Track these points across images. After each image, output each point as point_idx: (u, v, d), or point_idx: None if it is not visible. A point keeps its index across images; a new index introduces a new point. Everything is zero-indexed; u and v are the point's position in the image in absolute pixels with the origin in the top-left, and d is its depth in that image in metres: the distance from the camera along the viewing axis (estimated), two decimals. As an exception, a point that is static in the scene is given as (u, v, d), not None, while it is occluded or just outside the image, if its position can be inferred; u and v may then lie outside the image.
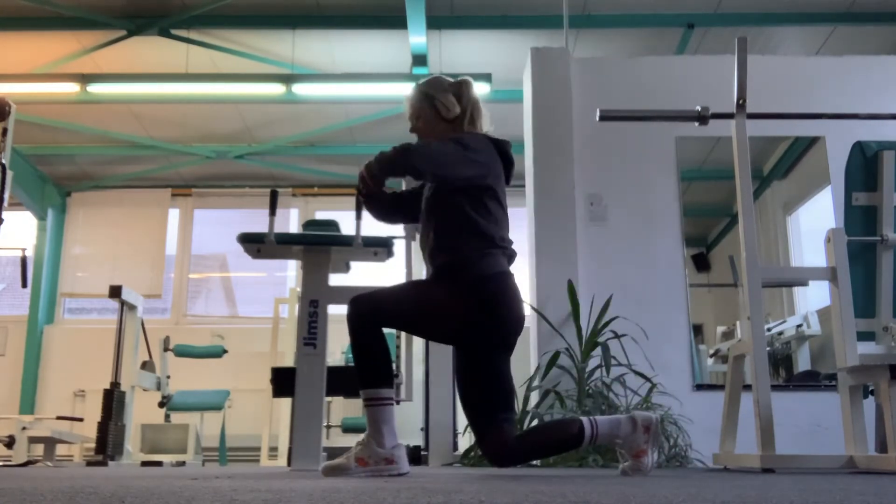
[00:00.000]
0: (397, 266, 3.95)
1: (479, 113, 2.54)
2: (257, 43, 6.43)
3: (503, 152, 2.50)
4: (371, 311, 2.30)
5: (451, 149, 2.36)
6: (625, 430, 2.33)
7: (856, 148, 3.12)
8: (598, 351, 4.14)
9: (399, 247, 3.54)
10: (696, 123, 3.20)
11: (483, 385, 2.36)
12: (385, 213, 2.64)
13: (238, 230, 3.33)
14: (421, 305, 2.38)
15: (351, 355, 7.50)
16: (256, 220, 8.24)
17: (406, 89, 6.50)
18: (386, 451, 2.27)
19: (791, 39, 6.45)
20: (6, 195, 3.90)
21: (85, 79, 6.14)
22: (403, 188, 2.79)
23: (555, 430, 2.43)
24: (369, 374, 2.30)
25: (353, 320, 2.30)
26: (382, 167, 2.35)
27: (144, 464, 5.35)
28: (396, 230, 3.87)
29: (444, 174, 2.36)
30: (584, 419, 2.33)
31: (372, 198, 2.56)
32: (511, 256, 2.46)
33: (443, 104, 2.49)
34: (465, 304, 2.35)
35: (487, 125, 2.56)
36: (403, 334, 4.05)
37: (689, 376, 4.47)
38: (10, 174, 3.93)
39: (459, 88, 2.53)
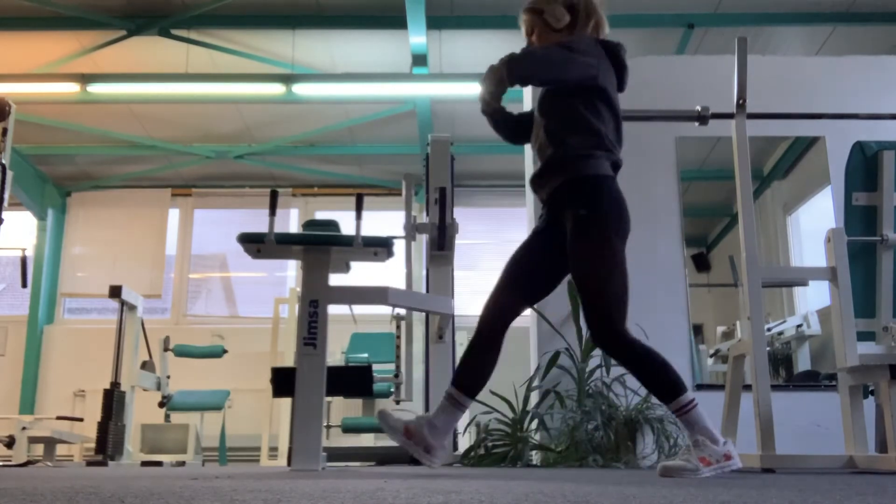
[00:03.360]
0: (397, 266, 3.95)
1: (597, 19, 2.53)
2: (257, 43, 6.43)
3: (614, 55, 2.48)
4: (610, 331, 2.30)
5: (554, 52, 2.39)
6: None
7: (856, 148, 3.12)
8: (598, 351, 4.14)
9: (399, 247, 3.54)
10: (696, 123, 3.20)
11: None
12: (508, 132, 2.68)
13: (238, 230, 3.32)
14: (614, 260, 2.33)
15: (353, 356, 7.48)
16: (256, 220, 8.25)
17: (406, 89, 6.56)
18: (721, 448, 2.24)
19: (791, 39, 6.45)
20: (6, 195, 3.90)
21: (85, 79, 6.15)
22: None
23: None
24: (662, 387, 2.31)
25: (613, 353, 2.33)
26: (492, 82, 2.40)
27: (144, 464, 5.35)
28: (396, 230, 3.87)
29: (550, 77, 2.40)
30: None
31: (497, 121, 2.61)
32: (616, 164, 2.44)
33: (551, 15, 2.53)
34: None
35: (607, 31, 2.56)
36: (403, 334, 4.06)
37: (689, 376, 4.47)
38: (10, 174, 3.93)
39: None
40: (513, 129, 2.66)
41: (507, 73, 2.35)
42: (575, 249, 2.34)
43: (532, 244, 2.50)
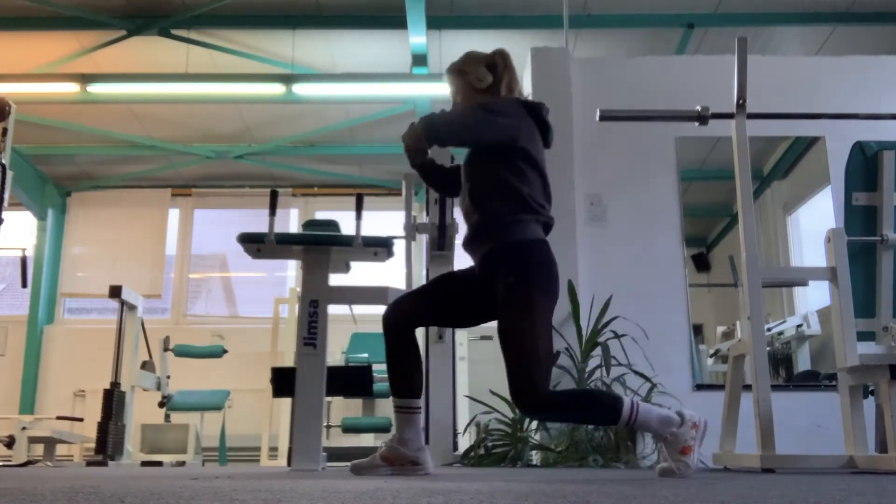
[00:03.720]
0: (397, 266, 3.95)
1: (515, 81, 2.55)
2: (257, 43, 6.43)
3: (536, 115, 2.48)
4: (533, 394, 2.24)
5: (473, 113, 2.39)
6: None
7: (856, 148, 3.12)
8: (598, 351, 4.14)
9: (399, 247, 3.54)
10: (696, 123, 3.20)
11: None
12: (439, 185, 2.71)
13: (238, 230, 3.33)
14: (541, 326, 2.33)
15: (353, 356, 7.44)
16: (256, 220, 8.24)
17: (406, 89, 6.56)
18: (685, 425, 2.24)
19: (791, 39, 6.45)
20: (6, 195, 3.90)
21: (85, 79, 6.14)
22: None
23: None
24: (604, 417, 2.30)
25: (540, 415, 2.31)
26: (411, 139, 2.43)
27: (144, 464, 5.35)
28: (396, 230, 3.87)
29: (467, 139, 2.42)
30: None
31: (425, 173, 2.63)
32: (547, 224, 2.44)
33: (475, 76, 2.54)
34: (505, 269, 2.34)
35: (525, 93, 2.58)
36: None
37: (689, 376, 4.47)
38: (10, 174, 3.93)
39: (493, 59, 2.56)
40: (441, 182, 2.68)
41: (425, 133, 2.37)
42: (503, 314, 2.34)
43: (464, 282, 2.48)
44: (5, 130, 3.96)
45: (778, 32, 6.31)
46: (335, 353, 7.24)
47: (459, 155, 2.70)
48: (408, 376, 2.44)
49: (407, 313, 2.44)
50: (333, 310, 3.25)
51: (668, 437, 2.24)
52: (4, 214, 3.85)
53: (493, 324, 2.41)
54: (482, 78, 2.52)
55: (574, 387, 4.14)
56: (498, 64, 2.54)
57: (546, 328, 2.33)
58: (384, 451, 2.44)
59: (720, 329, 4.89)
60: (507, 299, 2.33)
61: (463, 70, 2.56)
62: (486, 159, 2.42)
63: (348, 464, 2.67)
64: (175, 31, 6.22)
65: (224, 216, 8.82)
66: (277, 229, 3.24)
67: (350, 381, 3.60)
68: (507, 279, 2.32)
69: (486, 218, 2.40)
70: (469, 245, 2.47)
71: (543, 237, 2.41)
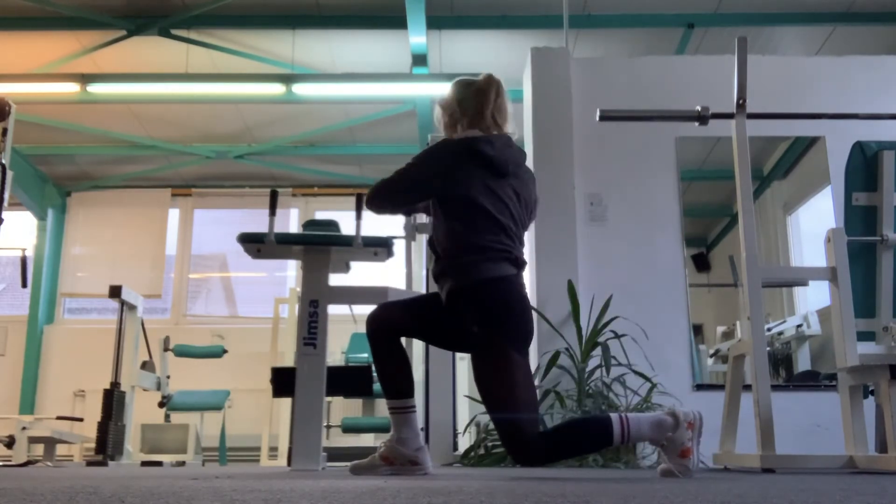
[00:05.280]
0: (397, 266, 3.95)
1: (461, 121, 2.55)
2: (257, 43, 6.43)
3: (470, 150, 2.42)
4: (522, 441, 2.25)
5: (385, 182, 2.48)
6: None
7: (856, 148, 3.12)
8: (598, 351, 4.14)
9: (399, 247, 3.54)
10: (696, 123, 3.20)
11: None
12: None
13: (238, 230, 3.32)
14: (514, 371, 2.32)
15: (353, 356, 7.43)
16: (256, 220, 8.24)
17: (406, 89, 6.55)
18: (680, 426, 2.23)
19: (791, 39, 6.45)
20: (6, 195, 3.90)
21: (85, 79, 6.14)
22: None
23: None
24: (601, 441, 2.29)
25: (532, 461, 2.30)
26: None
27: (144, 464, 5.35)
28: (397, 230, 3.87)
29: (374, 210, 2.56)
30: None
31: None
32: (516, 260, 2.40)
33: (437, 117, 2.67)
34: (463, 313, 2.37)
35: (491, 124, 2.56)
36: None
37: (689, 376, 4.47)
38: (10, 174, 3.93)
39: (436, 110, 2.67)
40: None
41: (367, 204, 2.55)
42: (475, 365, 2.37)
43: (441, 311, 2.47)
44: (5, 130, 3.96)
45: (778, 32, 6.31)
46: (335, 353, 7.24)
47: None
48: (398, 377, 2.46)
49: (395, 324, 2.45)
50: (333, 310, 3.25)
51: (664, 442, 2.23)
52: (4, 214, 3.85)
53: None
54: (437, 119, 2.63)
55: (574, 386, 4.15)
56: (445, 103, 2.60)
57: (520, 370, 2.31)
58: (383, 451, 2.45)
59: (720, 329, 4.89)
60: (476, 350, 2.36)
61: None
62: (437, 210, 2.47)
63: (348, 464, 2.67)
64: (175, 31, 6.23)
65: (224, 216, 8.82)
66: (277, 229, 3.23)
67: (350, 381, 3.60)
68: (470, 326, 2.35)
69: (441, 267, 2.44)
70: (437, 282, 2.52)
71: (501, 275, 2.36)
